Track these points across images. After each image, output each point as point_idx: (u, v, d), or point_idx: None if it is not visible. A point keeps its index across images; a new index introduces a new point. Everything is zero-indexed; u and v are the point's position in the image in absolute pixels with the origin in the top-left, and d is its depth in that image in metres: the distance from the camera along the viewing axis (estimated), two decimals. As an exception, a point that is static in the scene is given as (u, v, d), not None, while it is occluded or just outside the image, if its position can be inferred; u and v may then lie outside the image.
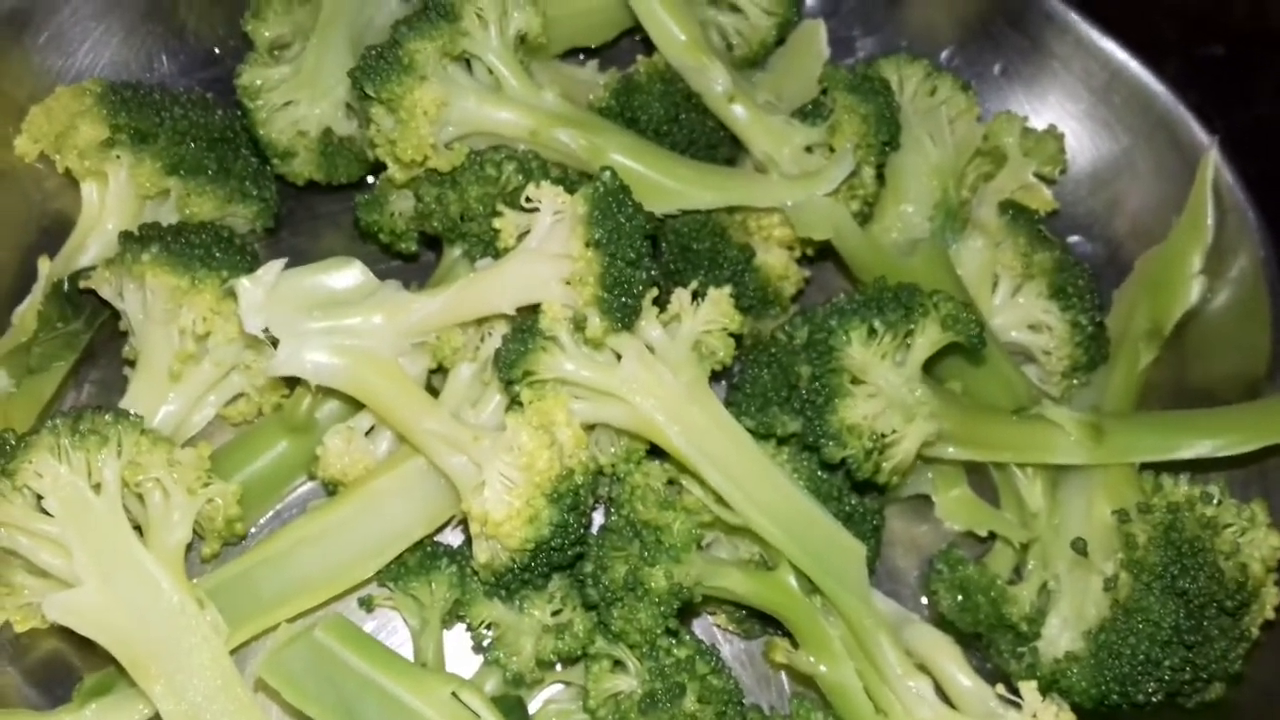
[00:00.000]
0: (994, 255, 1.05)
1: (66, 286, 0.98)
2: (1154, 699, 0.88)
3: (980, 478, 1.01)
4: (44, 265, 0.99)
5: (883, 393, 0.89)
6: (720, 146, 1.07)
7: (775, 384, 0.92)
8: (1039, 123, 1.14)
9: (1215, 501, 0.90)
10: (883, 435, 0.89)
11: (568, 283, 0.86)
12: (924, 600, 1.01)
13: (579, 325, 0.86)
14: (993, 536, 1.00)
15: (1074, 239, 1.14)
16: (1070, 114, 1.15)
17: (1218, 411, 0.97)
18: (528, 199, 0.88)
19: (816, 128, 1.03)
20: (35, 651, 0.93)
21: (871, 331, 0.89)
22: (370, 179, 1.09)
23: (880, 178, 1.04)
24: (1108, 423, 0.95)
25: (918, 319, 0.89)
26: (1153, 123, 1.11)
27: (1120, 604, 0.89)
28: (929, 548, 1.02)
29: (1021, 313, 1.05)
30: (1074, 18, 1.13)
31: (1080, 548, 0.92)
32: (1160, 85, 1.11)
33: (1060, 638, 0.92)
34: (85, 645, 0.86)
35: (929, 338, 0.90)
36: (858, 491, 0.94)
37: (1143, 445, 0.94)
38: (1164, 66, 1.12)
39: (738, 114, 1.03)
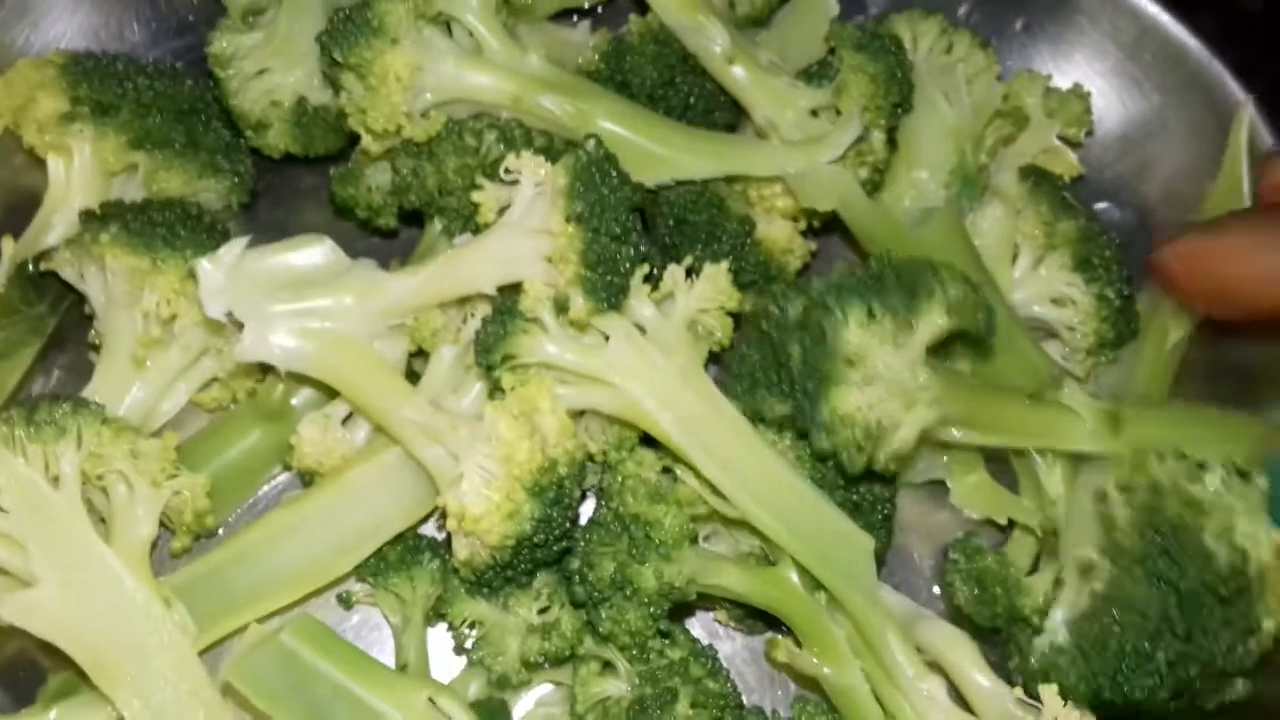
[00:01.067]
0: (1014, 224, 1.00)
1: (30, 268, 0.94)
2: (1159, 696, 0.82)
3: (999, 463, 0.96)
4: (7, 246, 0.95)
5: (880, 378, 0.82)
6: (719, 111, 1.01)
7: (765, 363, 0.85)
8: (1064, 82, 1.09)
9: (1210, 478, 0.84)
10: (877, 425, 0.82)
11: (549, 260, 0.81)
12: (937, 590, 0.96)
13: (561, 306, 0.81)
14: (1013, 524, 0.94)
15: (1102, 205, 1.08)
16: (1097, 72, 1.10)
17: (1241, 420, 0.91)
18: (507, 170, 0.83)
19: (822, 90, 0.96)
20: (1, 651, 0.89)
21: (871, 314, 0.82)
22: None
23: (892, 142, 0.99)
24: (1127, 412, 0.89)
25: (922, 304, 0.83)
26: (1185, 81, 1.06)
27: (1099, 593, 0.83)
28: (946, 535, 0.97)
29: (1044, 286, 0.99)
30: (1101, -32, 1.07)
31: None
32: (1193, 40, 1.06)
33: (1060, 630, 0.86)
34: (51, 645, 0.82)
35: (933, 325, 0.83)
36: (867, 478, 0.88)
37: (1161, 439, 0.88)
38: (1199, 22, 1.07)
39: (738, 76, 0.97)
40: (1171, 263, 0.83)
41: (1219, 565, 0.81)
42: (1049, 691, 0.80)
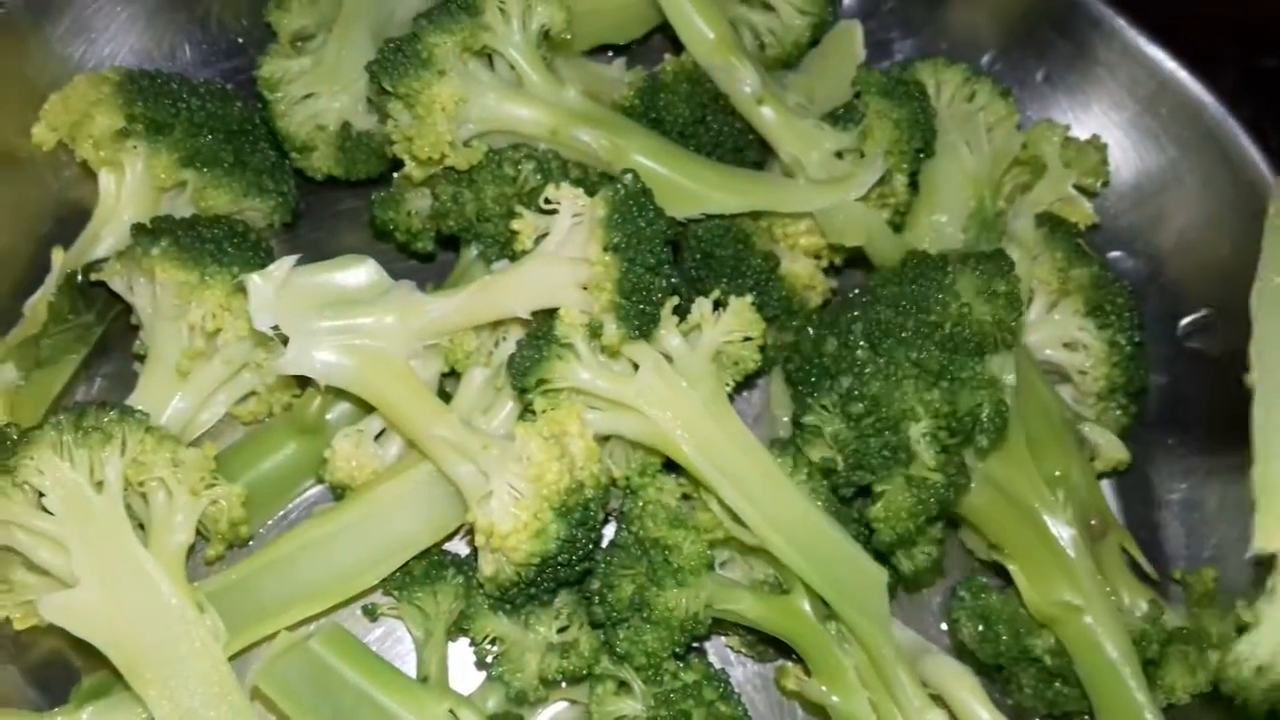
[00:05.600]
0: (1030, 269, 1.02)
1: (79, 278, 0.97)
2: None
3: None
4: (58, 256, 0.98)
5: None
6: (748, 150, 1.04)
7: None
8: (1082, 132, 1.10)
9: None
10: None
11: (585, 288, 0.84)
12: (944, 626, 0.98)
13: (594, 332, 0.83)
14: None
15: (1115, 254, 1.10)
16: (1115, 123, 1.11)
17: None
18: (546, 200, 0.86)
19: (848, 132, 0.99)
20: (36, 650, 0.91)
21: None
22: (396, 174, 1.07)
23: (913, 185, 1.01)
24: None
25: None
26: (1201, 135, 1.07)
27: None
28: (954, 571, 0.98)
29: (1057, 330, 1.01)
30: (1121, 24, 1.09)
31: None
32: (1210, 96, 1.06)
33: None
34: (85, 645, 0.84)
35: None
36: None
37: None
38: (1216, 77, 1.08)
39: (766, 116, 1.00)
40: None
41: None
42: None
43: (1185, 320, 1.05)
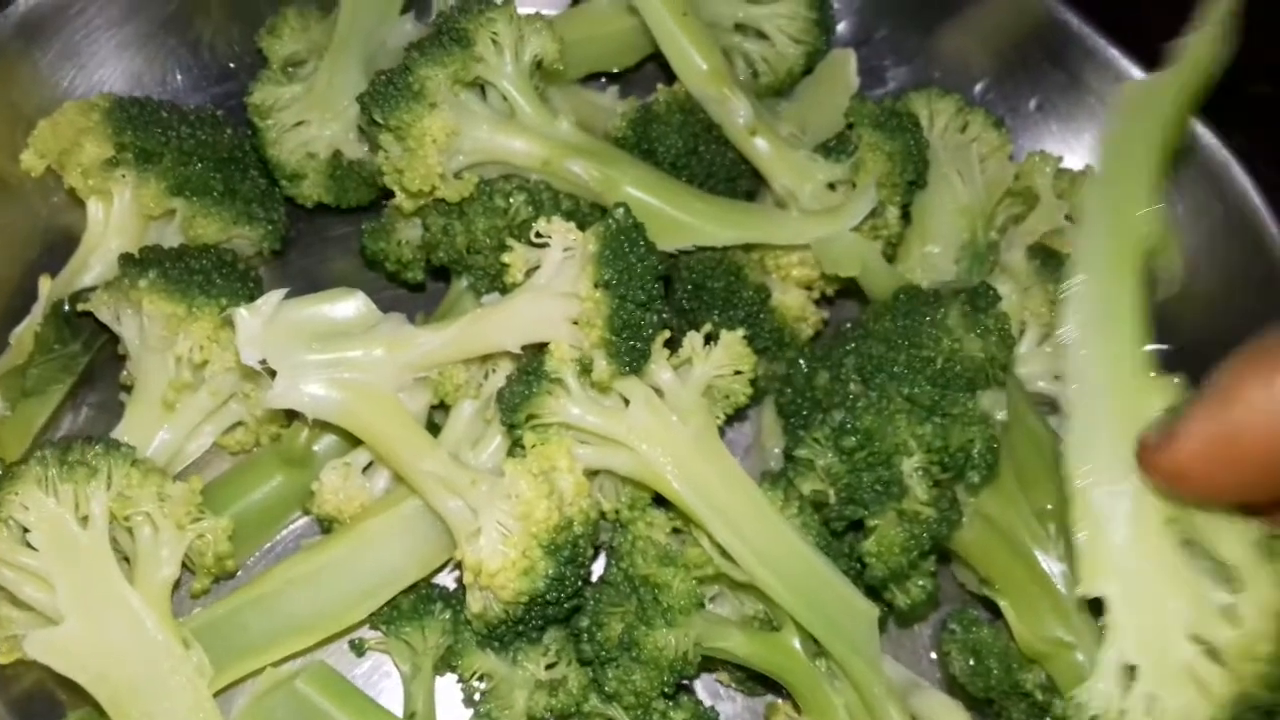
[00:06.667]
0: (1021, 301, 1.01)
1: (66, 308, 0.96)
2: None
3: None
4: (44, 284, 0.97)
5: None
6: (740, 180, 1.03)
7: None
8: (1074, 161, 1.10)
9: None
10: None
11: (575, 323, 0.83)
12: (934, 657, 0.97)
13: (585, 368, 0.83)
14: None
15: (1107, 284, 1.09)
16: (1107, 153, 1.11)
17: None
18: (538, 234, 0.85)
19: (840, 164, 0.99)
20: (20, 683, 0.90)
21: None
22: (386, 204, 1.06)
23: (905, 217, 1.01)
24: None
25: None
26: (1193, 165, 1.06)
27: None
28: (945, 603, 0.97)
29: (1049, 362, 1.00)
30: (1114, 54, 1.09)
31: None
32: (1202, 126, 1.06)
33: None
34: (70, 681, 0.83)
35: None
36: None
37: None
38: (1208, 106, 1.07)
39: (759, 147, 1.00)
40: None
41: None
42: None
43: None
